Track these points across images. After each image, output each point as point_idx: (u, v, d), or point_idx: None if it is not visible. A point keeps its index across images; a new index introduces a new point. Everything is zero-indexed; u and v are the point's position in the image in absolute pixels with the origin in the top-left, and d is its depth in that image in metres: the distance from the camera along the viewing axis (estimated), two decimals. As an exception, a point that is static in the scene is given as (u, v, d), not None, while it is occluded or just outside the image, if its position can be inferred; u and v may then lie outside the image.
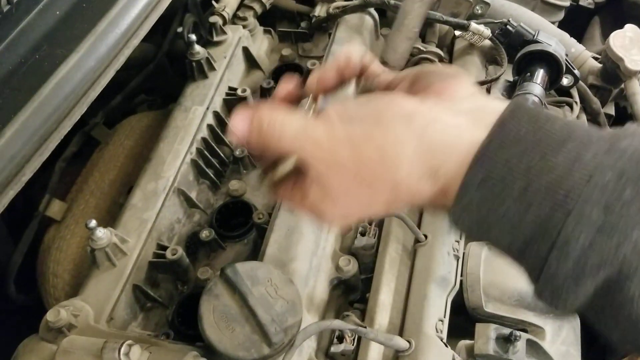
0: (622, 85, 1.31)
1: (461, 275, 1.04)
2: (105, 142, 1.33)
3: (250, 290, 0.85)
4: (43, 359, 0.85)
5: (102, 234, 0.94)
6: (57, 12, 0.79)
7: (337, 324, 0.88)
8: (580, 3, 1.68)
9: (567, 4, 1.60)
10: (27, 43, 0.75)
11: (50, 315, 0.87)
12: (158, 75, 1.50)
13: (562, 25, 1.62)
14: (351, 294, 1.07)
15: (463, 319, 1.06)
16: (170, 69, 1.53)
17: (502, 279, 1.05)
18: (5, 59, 0.71)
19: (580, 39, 1.66)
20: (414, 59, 1.31)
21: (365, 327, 0.89)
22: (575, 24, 1.71)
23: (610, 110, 1.38)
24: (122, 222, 1.02)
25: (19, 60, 0.72)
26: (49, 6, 0.79)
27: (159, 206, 1.04)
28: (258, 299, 0.84)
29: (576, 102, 1.26)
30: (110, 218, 1.08)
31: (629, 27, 1.31)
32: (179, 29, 1.41)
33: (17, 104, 0.68)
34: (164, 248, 1.00)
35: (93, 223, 0.93)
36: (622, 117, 1.44)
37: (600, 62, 1.35)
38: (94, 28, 0.77)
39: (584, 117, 1.29)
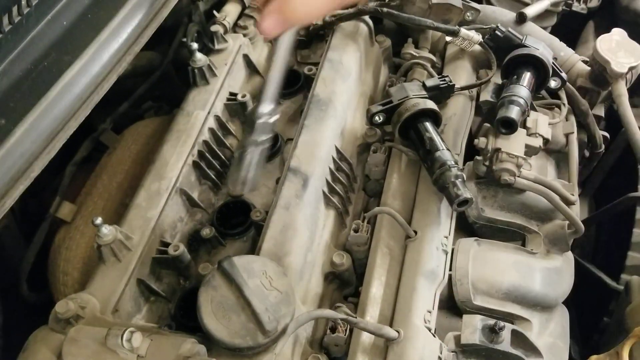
0: (611, 88, 1.35)
1: (450, 270, 1.08)
2: (113, 147, 1.39)
3: (246, 281, 0.90)
4: (52, 348, 0.91)
5: (108, 231, 0.99)
6: (64, 22, 0.85)
7: (328, 313, 0.93)
8: (574, 8, 1.72)
9: (559, 9, 1.64)
10: (37, 51, 0.81)
11: (59, 307, 0.92)
12: (164, 82, 1.56)
13: (556, 29, 1.67)
14: (345, 288, 1.12)
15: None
16: (176, 76, 1.59)
17: (490, 273, 1.10)
18: (17, 65, 0.77)
19: (574, 43, 1.71)
20: (407, 64, 1.37)
21: (356, 317, 0.94)
22: (569, 28, 1.75)
23: (600, 111, 1.42)
24: (127, 220, 1.07)
25: (29, 67, 0.78)
26: (56, 17, 0.85)
27: (162, 205, 1.09)
28: (253, 290, 0.89)
29: (564, 104, 1.30)
30: (118, 219, 1.14)
31: (616, 31, 1.35)
32: (184, 39, 1.47)
33: (27, 105, 0.73)
34: (167, 245, 1.05)
35: (99, 220, 0.99)
36: (615, 119, 1.48)
37: (589, 65, 1.39)
38: (98, 36, 0.83)
39: (572, 118, 1.33)
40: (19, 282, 1.32)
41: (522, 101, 1.12)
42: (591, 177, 1.62)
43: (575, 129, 1.30)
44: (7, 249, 1.35)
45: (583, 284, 1.27)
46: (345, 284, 1.11)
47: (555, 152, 1.33)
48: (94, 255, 1.12)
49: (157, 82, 1.53)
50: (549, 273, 1.12)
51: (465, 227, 1.21)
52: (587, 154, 1.45)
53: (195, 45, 1.26)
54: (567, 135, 1.30)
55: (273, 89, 0.90)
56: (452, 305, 1.11)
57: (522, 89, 1.15)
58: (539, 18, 1.56)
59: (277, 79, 0.89)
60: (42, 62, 0.80)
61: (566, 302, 1.19)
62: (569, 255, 1.19)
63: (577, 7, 1.72)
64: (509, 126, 1.11)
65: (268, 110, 0.92)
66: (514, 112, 1.10)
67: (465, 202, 1.05)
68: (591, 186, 1.66)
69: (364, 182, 1.25)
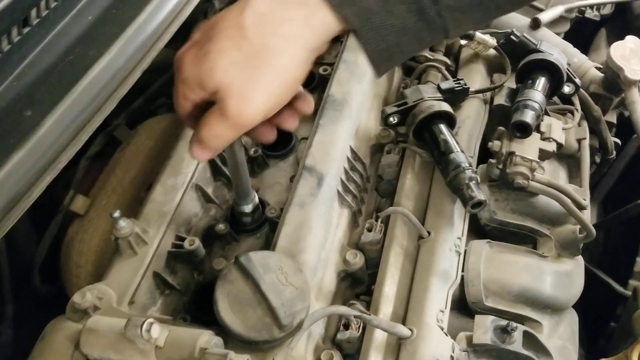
0: (623, 95, 1.36)
1: (462, 271, 1.09)
2: (126, 142, 1.40)
3: (262, 276, 0.91)
4: (69, 337, 0.92)
5: (125, 224, 1.00)
6: (90, 17, 0.87)
7: (343, 309, 0.94)
8: (586, 15, 1.74)
9: (573, 15, 1.65)
10: (63, 45, 0.82)
11: (76, 297, 0.93)
12: (178, 79, 1.57)
13: (569, 36, 1.68)
14: (358, 286, 1.13)
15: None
16: (190, 74, 1.59)
17: (502, 275, 1.11)
18: (43, 59, 0.79)
19: (586, 50, 1.72)
20: (421, 66, 1.37)
21: (370, 315, 0.95)
22: (581, 35, 1.76)
23: (612, 118, 1.43)
24: (143, 214, 1.08)
25: (55, 60, 0.80)
26: (82, 12, 0.87)
27: (178, 200, 1.10)
28: (269, 285, 0.90)
29: (577, 110, 1.31)
30: (131, 213, 1.15)
31: (630, 38, 1.36)
32: (199, 36, 1.47)
33: (54, 99, 0.75)
34: (182, 239, 1.07)
35: (117, 213, 1.00)
36: (626, 125, 1.49)
37: (602, 72, 1.40)
38: (124, 32, 0.84)
39: (585, 123, 1.34)
40: (31, 273, 1.33)
41: (537, 106, 1.13)
42: (601, 183, 1.63)
43: (587, 135, 1.31)
44: (19, 240, 1.37)
45: (591, 288, 1.28)
46: (357, 282, 1.12)
47: (567, 157, 1.34)
48: (107, 249, 1.13)
49: (172, 79, 1.54)
50: (560, 276, 1.13)
51: (476, 230, 1.22)
52: (597, 159, 1.47)
53: (211, 43, 1.26)
54: (579, 141, 1.31)
55: (245, 181, 1.03)
56: (462, 305, 1.12)
57: (537, 93, 1.16)
58: (553, 24, 1.57)
59: (244, 170, 1.00)
60: (68, 56, 0.81)
61: (573, 306, 1.20)
62: (580, 259, 1.19)
63: (590, 13, 1.74)
64: (524, 130, 1.12)
65: (248, 199, 1.06)
66: (529, 116, 1.11)
67: (479, 204, 1.06)
68: (600, 192, 1.66)
69: (377, 183, 1.26)
